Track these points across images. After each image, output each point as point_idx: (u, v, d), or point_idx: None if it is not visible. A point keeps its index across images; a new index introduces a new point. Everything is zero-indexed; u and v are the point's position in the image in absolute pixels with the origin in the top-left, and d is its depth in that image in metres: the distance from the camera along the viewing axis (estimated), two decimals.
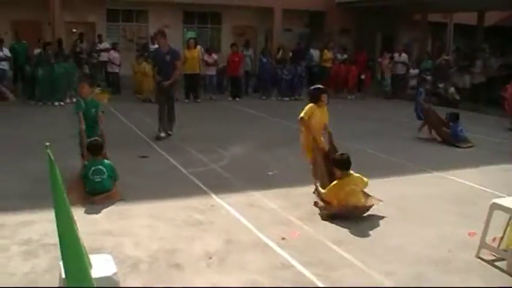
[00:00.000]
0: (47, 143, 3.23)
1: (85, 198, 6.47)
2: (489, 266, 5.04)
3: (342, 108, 15.06)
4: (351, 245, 5.35)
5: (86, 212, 6.06)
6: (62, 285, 3.37)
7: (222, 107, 15.79)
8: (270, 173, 8.13)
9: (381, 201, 6.43)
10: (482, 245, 5.22)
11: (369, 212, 6.34)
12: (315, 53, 20.16)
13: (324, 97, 7.00)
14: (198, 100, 16.27)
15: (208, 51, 17.21)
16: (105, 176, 6.66)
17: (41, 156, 7.81)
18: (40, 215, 5.77)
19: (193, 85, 16.29)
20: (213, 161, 8.68)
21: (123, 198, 6.61)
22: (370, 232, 5.77)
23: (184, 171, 8.06)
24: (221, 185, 7.37)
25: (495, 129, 13.03)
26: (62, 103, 14.90)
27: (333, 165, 6.51)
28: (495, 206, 5.20)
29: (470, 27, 24.64)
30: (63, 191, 3.05)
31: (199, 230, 5.65)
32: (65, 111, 12.87)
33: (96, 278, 3.07)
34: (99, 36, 18.95)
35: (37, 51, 16.09)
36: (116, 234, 5.41)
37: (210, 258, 4.92)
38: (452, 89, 17.17)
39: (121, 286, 3.81)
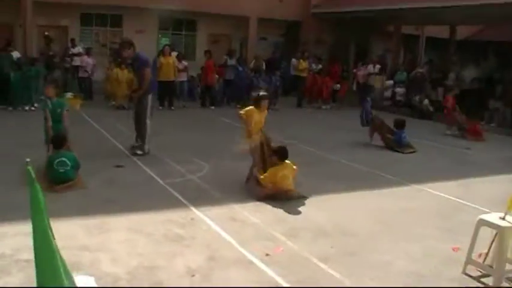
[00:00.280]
0: (28, 159, 3.05)
1: (49, 187, 6.80)
2: (476, 282, 5.02)
3: (322, 118, 15.11)
4: (337, 262, 5.24)
5: (62, 226, 5.82)
6: None
7: (197, 115, 15.61)
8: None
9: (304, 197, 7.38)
10: (469, 261, 5.20)
11: (351, 226, 6.27)
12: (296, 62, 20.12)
13: (264, 103, 7.90)
14: (172, 108, 16.07)
15: (178, 57, 17.03)
16: (68, 167, 7.22)
17: (14, 164, 7.71)
18: (13, 228, 5.51)
19: (168, 92, 16.08)
20: (191, 172, 8.49)
21: (85, 187, 7.21)
22: (355, 247, 5.68)
23: (161, 182, 7.85)
24: (200, 197, 7.20)
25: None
26: (32, 108, 14.53)
27: (273, 154, 7.60)
28: (482, 222, 5.17)
29: (442, 40, 25.02)
30: (43, 210, 2.88)
31: (179, 245, 5.47)
32: (36, 115, 12.55)
33: None
34: (72, 40, 18.56)
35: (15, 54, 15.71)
36: (93, 250, 5.19)
37: (193, 275, 4.75)
38: (426, 101, 17.34)
39: None
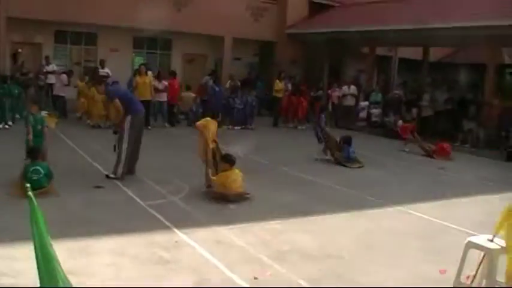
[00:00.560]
0: (28, 184, 2.96)
1: (23, 193, 6.74)
2: None
3: (296, 138, 15.11)
4: (325, 284, 5.20)
5: None
6: None
7: (174, 135, 15.49)
8: (231, 207, 7.90)
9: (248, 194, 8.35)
10: (457, 283, 5.19)
11: (337, 248, 6.25)
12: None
13: (218, 118, 9.99)
14: (149, 128, 15.91)
15: (159, 77, 16.92)
16: (41, 175, 7.82)
17: None
18: None
19: (145, 112, 15.88)
20: (172, 193, 8.37)
21: (58, 195, 7.68)
22: (342, 271, 5.64)
23: (142, 203, 7.71)
24: (183, 219, 7.07)
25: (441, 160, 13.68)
26: (6, 126, 14.25)
27: (223, 161, 8.59)
28: (470, 245, 5.18)
29: (414, 61, 25.41)
30: (45, 235, 2.85)
31: (165, 269, 5.35)
32: (12, 133, 12.35)
33: None
34: (47, 57, 18.32)
35: None
36: (77, 274, 5.01)
37: None
38: (400, 122, 17.49)
39: None
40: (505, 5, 15.92)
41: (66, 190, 7.95)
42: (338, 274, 5.53)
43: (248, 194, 8.36)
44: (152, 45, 23.01)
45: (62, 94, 17.12)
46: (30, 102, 9.96)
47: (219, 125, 17.48)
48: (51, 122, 12.24)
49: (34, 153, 8.22)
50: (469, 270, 5.18)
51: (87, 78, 17.11)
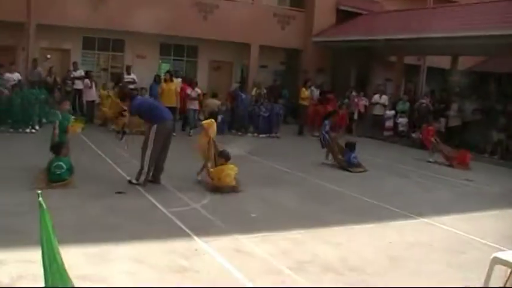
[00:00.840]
0: (39, 191, 2.93)
1: (47, 185, 8.23)
2: None
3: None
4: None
5: (62, 253, 5.64)
6: None
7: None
8: (253, 215, 7.83)
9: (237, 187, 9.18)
10: None
11: (359, 261, 6.13)
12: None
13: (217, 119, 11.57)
14: (174, 134, 15.90)
15: (191, 84, 16.93)
16: (63, 170, 8.53)
17: (14, 189, 7.57)
18: (13, 255, 5.31)
19: None
20: (193, 200, 8.32)
21: (76, 186, 8.44)
22: (364, 284, 5.51)
23: (164, 210, 7.68)
24: (204, 226, 7.02)
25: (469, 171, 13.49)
26: (33, 130, 14.41)
27: (219, 156, 9.66)
28: (496, 260, 5.01)
29: (443, 70, 25.07)
30: (53, 241, 2.83)
31: (183, 277, 5.29)
32: (38, 138, 12.48)
33: None
34: (74, 63, 18.56)
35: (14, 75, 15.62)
36: (94, 280, 5.00)
37: None
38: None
39: None
40: None
41: (88, 195, 7.98)
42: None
43: (238, 188, 9.19)
44: (179, 52, 23.14)
45: (91, 99, 17.32)
46: (62, 100, 10.62)
47: (244, 133, 17.57)
48: (77, 127, 12.38)
49: (57, 148, 8.82)
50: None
51: (109, 85, 17.31)
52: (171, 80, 16.06)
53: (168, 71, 17.41)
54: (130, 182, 9.10)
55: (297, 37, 23.72)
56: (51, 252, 3.02)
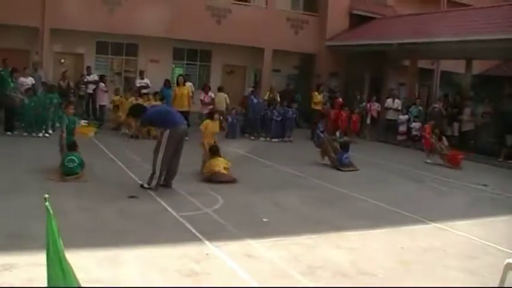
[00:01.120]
0: (46, 195, 2.94)
1: (61, 177, 9.15)
2: None
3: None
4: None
5: (73, 256, 5.66)
6: None
7: None
8: (264, 220, 7.81)
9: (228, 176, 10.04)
10: None
11: (371, 265, 6.08)
12: None
13: (216, 116, 11.93)
14: (187, 138, 15.92)
15: (205, 89, 16.94)
16: (76, 164, 9.36)
17: (26, 193, 7.61)
18: (25, 258, 5.33)
19: None
20: (205, 205, 8.32)
21: (87, 180, 9.21)
22: None
23: (175, 214, 7.68)
24: (215, 231, 7.01)
25: (482, 176, 13.32)
26: (46, 134, 14.50)
27: (209, 151, 10.56)
28: (510, 266, 4.96)
29: (457, 74, 24.88)
30: (59, 245, 3.11)
31: (195, 281, 5.27)
32: (49, 143, 12.53)
33: None
34: (88, 67, 18.68)
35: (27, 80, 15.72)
36: (105, 283, 5.01)
37: None
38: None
39: None
40: None
41: (100, 198, 8.01)
42: None
43: (231, 177, 10.12)
44: (192, 56, 23.24)
45: (103, 103, 17.43)
46: (68, 104, 10.92)
47: (257, 137, 17.55)
48: (90, 131, 12.48)
49: (72, 146, 9.69)
50: None
51: (121, 91, 17.43)
52: (184, 84, 16.11)
53: (180, 75, 17.47)
54: (142, 186, 9.12)
55: (310, 41, 23.71)
56: (56, 257, 3.02)
